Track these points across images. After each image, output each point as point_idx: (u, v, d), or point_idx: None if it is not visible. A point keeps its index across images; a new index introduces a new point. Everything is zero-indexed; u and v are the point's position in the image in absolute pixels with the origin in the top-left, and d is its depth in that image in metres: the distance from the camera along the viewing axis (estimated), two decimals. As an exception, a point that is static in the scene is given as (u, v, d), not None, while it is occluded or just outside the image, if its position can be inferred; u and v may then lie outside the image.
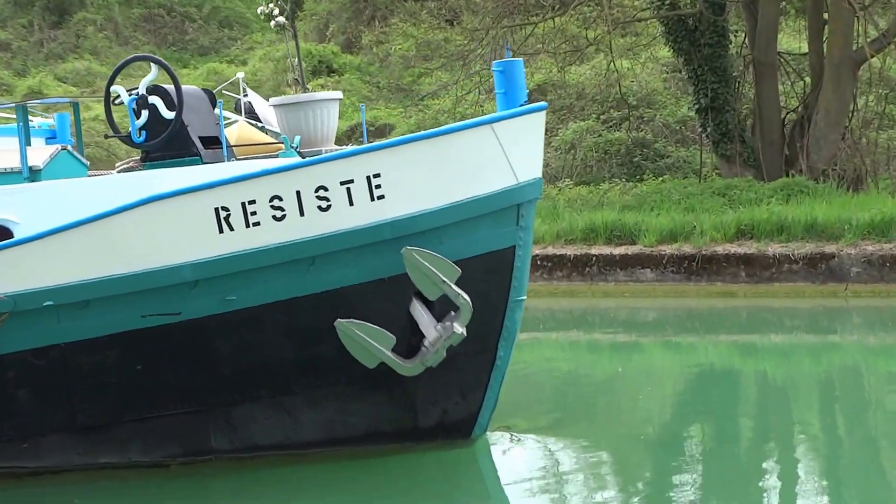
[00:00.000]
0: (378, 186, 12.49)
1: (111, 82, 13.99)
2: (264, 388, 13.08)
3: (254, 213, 12.40)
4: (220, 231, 12.44)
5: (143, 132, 13.67)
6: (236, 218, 12.40)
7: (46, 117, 17.14)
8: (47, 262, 12.63)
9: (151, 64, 13.94)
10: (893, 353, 19.75)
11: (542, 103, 13.32)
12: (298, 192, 12.43)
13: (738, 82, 30.59)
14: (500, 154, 12.83)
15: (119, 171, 14.76)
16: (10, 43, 48.25)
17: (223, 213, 12.42)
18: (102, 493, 12.89)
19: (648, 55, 36.43)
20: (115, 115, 14.04)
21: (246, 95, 15.55)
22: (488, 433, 13.81)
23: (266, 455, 13.20)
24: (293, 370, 13.02)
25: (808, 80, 31.40)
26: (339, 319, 12.60)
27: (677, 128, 34.45)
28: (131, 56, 14.65)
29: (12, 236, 13.10)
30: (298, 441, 13.27)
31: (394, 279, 12.73)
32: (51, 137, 16.49)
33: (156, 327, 12.70)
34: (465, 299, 12.63)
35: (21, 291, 12.55)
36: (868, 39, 28.91)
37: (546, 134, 33.98)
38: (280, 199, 12.41)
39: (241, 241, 12.45)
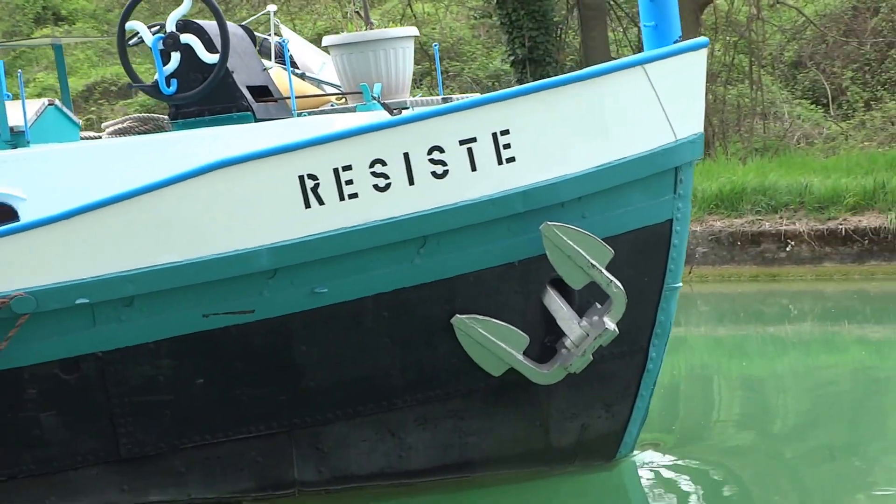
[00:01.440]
0: (507, 146, 10.19)
1: (126, 17, 11.34)
2: (362, 403, 10.69)
3: (350, 183, 10.07)
4: (307, 206, 10.10)
5: (174, 81, 11.09)
6: (327, 189, 10.08)
7: None
8: (78, 248, 10.15)
9: None
10: (747, 350, 17.50)
11: (703, 39, 10.94)
12: (407, 155, 10.08)
13: (561, 29, 28.09)
14: (655, 103, 10.55)
15: (110, 133, 12.13)
16: None
17: (310, 183, 10.07)
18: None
19: (454, -4, 34.27)
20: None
21: (279, 34, 13.03)
22: (636, 453, 11.55)
23: (364, 487, 10.95)
24: (398, 381, 10.65)
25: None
26: (457, 316, 10.32)
27: (489, 84, 30.53)
28: None
29: (16, 216, 10.69)
30: (405, 469, 10.90)
31: (525, 263, 10.44)
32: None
33: (222, 329, 10.32)
34: (618, 288, 10.19)
35: (44, 287, 10.08)
36: None
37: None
38: (384, 163, 10.09)
39: (333, 217, 10.14)
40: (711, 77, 27.39)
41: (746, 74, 29.01)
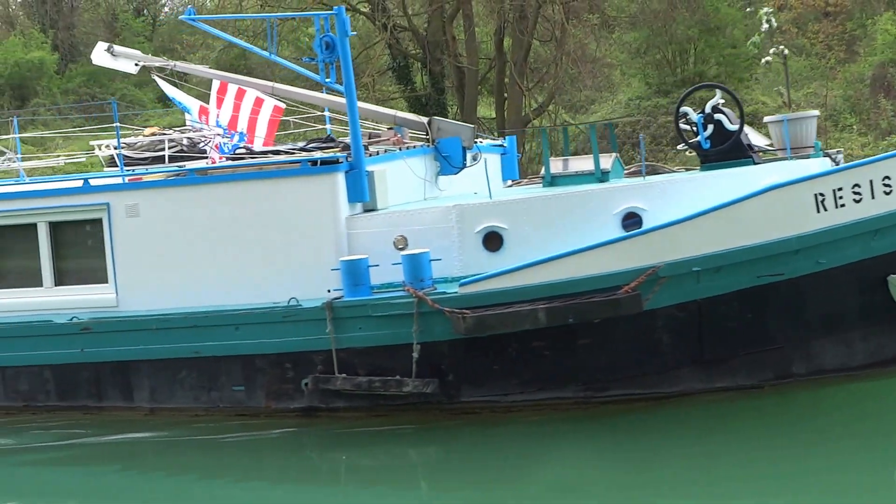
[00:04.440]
0: None
1: (681, 104, 15.93)
2: (834, 326, 14.85)
3: (841, 198, 14.35)
4: (818, 211, 14.37)
5: (708, 142, 15.68)
6: (829, 201, 14.32)
7: (493, 139, 20.09)
8: (693, 238, 14.31)
9: (716, 90, 16.00)
10: None
11: None
12: (871, 181, 14.38)
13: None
14: None
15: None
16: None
17: (820, 198, 14.33)
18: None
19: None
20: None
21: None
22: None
23: (824, 378, 15.21)
24: (855, 313, 14.87)
25: (496, 134, 36.11)
26: (891, 275, 14.68)
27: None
28: (698, 84, 17.41)
29: (641, 220, 14.96)
30: (850, 366, 15.11)
31: None
32: (503, 154, 19.39)
33: (765, 285, 14.47)
34: None
35: (674, 261, 14.33)
36: (531, 109, 38.29)
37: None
38: (859, 185, 14.35)
39: (832, 218, 14.37)
40: (531, 160, 37.04)
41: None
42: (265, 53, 16.49)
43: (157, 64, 18.49)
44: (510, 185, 18.52)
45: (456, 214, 15.53)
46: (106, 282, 16.65)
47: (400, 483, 14.36)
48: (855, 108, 36.34)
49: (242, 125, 17.99)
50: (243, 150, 17.14)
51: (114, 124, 16.13)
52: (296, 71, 16.35)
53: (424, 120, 17.56)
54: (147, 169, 17.28)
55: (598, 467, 14.18)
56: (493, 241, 15.47)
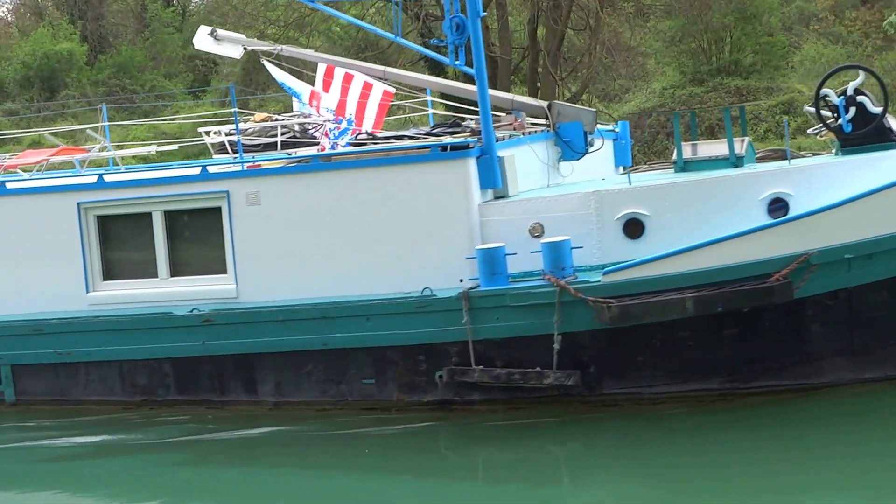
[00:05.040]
0: None
1: (821, 87, 15.25)
2: None
3: None
4: None
5: (849, 124, 15.07)
6: None
7: (606, 125, 19.41)
8: (845, 224, 13.81)
9: (859, 71, 15.46)
10: None
11: None
12: None
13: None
14: None
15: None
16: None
17: None
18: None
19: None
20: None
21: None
22: None
23: None
24: None
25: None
26: None
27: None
28: (840, 65, 16.71)
29: (788, 206, 14.42)
30: None
31: None
32: (615, 139, 18.74)
33: None
34: None
35: (827, 248, 13.79)
36: (565, 98, 36.12)
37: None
38: None
39: None
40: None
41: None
42: (391, 36, 15.72)
43: (263, 48, 17.68)
44: (623, 172, 17.74)
45: (595, 201, 14.87)
46: (225, 272, 15.84)
47: (541, 479, 13.63)
48: (892, 96, 35.72)
49: (351, 110, 17.19)
50: (366, 136, 16.30)
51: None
52: (424, 54, 15.52)
53: (544, 104, 16.75)
54: (253, 157, 16.44)
55: (749, 463, 13.38)
56: (634, 227, 14.85)
